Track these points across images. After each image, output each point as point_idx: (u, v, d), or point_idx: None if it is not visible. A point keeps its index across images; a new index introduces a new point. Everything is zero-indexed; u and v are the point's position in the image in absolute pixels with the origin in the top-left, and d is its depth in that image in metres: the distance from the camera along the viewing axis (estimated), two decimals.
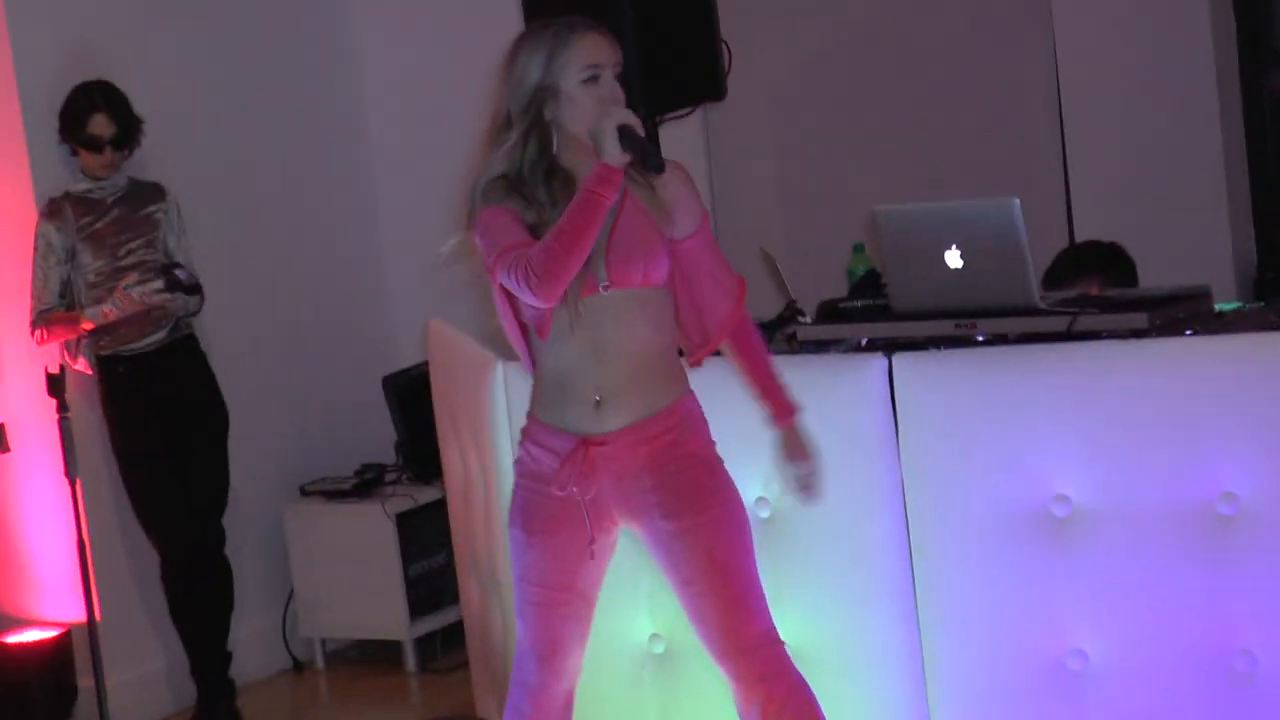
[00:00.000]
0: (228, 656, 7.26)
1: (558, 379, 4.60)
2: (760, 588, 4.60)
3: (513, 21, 6.72)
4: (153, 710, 7.43)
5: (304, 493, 8.02)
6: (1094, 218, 7.46)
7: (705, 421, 4.64)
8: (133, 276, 6.94)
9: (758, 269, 6.31)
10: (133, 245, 7.04)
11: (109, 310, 6.91)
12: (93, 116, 7.05)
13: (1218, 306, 5.35)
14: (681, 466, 4.56)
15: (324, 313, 8.24)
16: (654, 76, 6.29)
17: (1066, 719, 4.91)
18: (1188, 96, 7.51)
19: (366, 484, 7.96)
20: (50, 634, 7.31)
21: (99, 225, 7.03)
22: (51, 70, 7.19)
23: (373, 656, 7.97)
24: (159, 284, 6.93)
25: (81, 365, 7.02)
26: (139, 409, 7.09)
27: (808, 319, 5.63)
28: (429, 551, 7.76)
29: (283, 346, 8.04)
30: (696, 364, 4.69)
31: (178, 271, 6.97)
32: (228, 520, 7.31)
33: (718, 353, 4.80)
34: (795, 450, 4.71)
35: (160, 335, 7.06)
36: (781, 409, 4.71)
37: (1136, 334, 5.02)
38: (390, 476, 8.04)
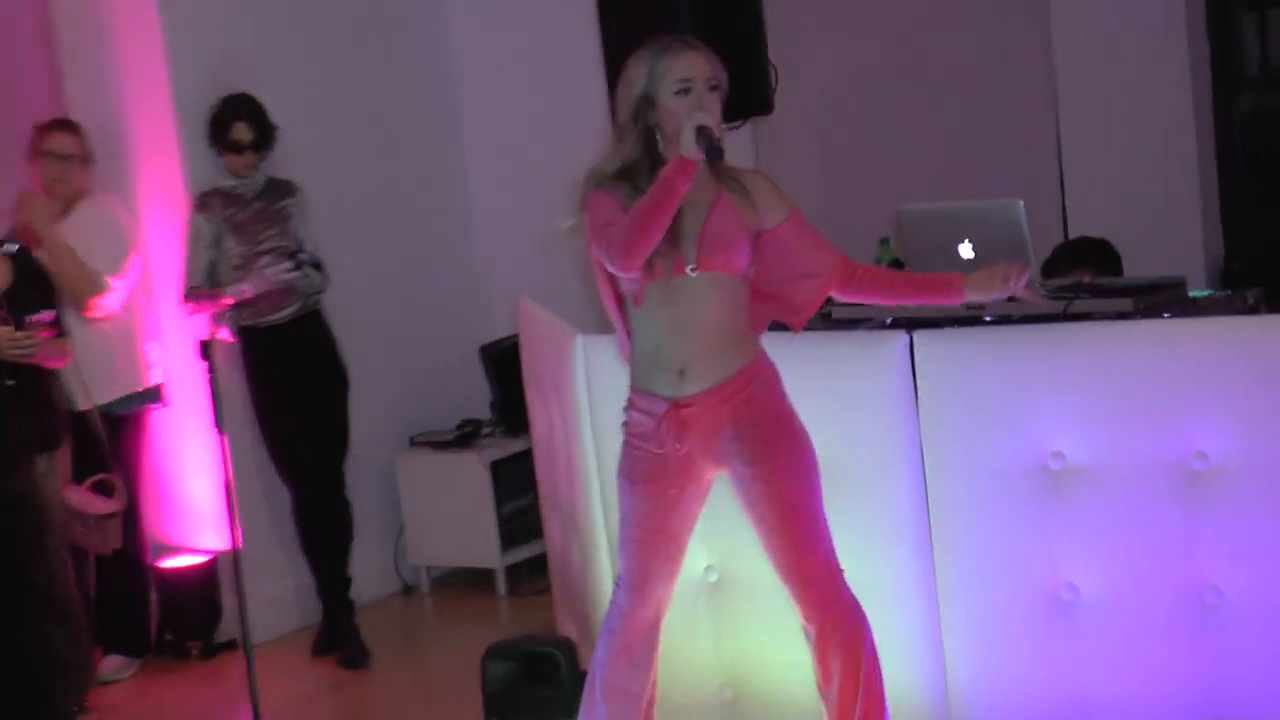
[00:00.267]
0: (348, 580, 7.27)
1: (649, 351, 4.60)
2: (824, 524, 4.59)
3: (590, 30, 6.68)
4: (284, 625, 7.45)
5: (413, 443, 8.02)
6: (1086, 217, 7.42)
7: (778, 377, 4.63)
8: (268, 259, 6.95)
9: None
10: (269, 233, 7.04)
11: (247, 288, 6.93)
12: (235, 124, 7.06)
13: (1192, 293, 5.32)
14: (757, 419, 4.55)
15: (430, 291, 8.23)
16: None
17: (1059, 643, 4.89)
18: (1168, 114, 7.47)
19: (465, 436, 7.95)
20: (200, 560, 7.36)
21: (241, 216, 7.04)
22: (201, 82, 7.18)
23: (469, 582, 7.96)
24: (288, 264, 6.95)
25: (226, 334, 7.02)
26: (274, 372, 7.10)
27: (838, 300, 5.60)
28: (517, 493, 7.75)
29: (395, 320, 8.03)
30: (798, 329, 4.72)
31: (301, 254, 6.99)
32: (348, 466, 7.31)
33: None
34: (994, 286, 4.62)
35: (291, 310, 7.06)
36: (947, 288, 4.66)
37: (1122, 316, 5.00)
38: (485, 430, 8.04)
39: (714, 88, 4.53)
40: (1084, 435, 4.81)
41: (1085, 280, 5.50)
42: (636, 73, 4.56)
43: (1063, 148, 7.72)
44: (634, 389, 4.65)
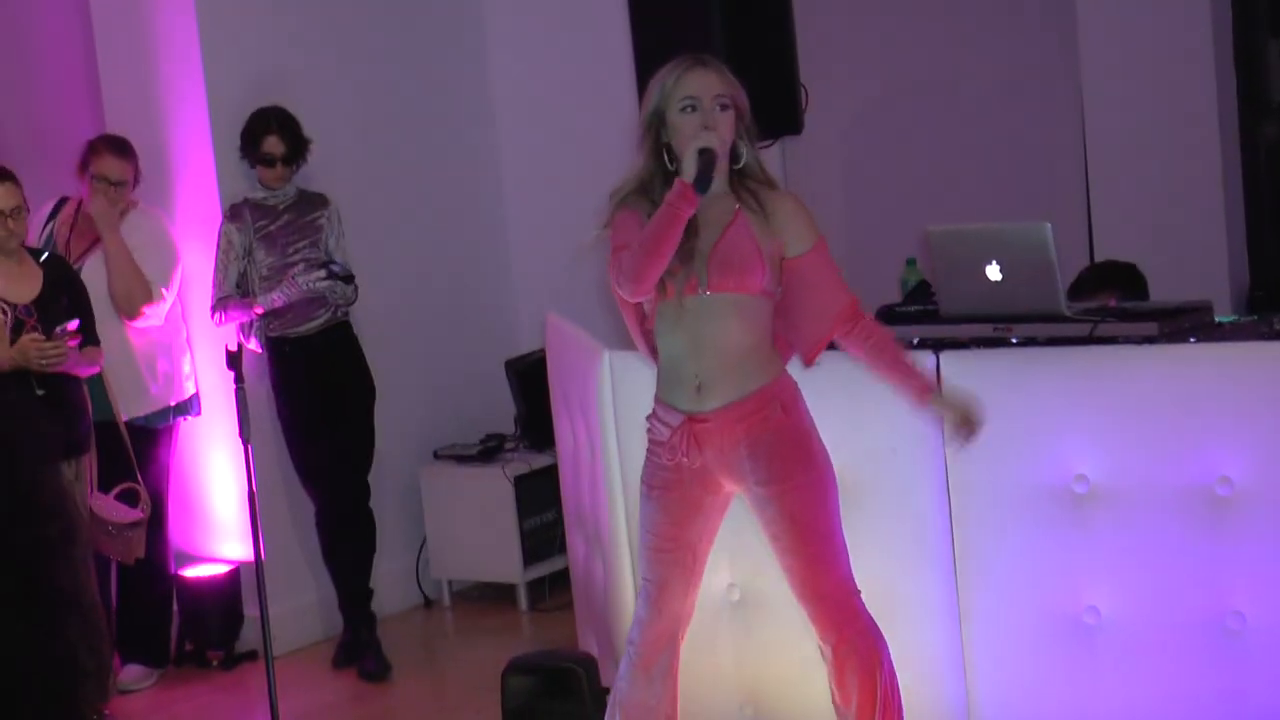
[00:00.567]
0: (370, 593, 7.27)
1: (669, 365, 4.63)
2: (841, 544, 4.60)
3: (625, 49, 6.70)
4: (306, 637, 7.45)
5: (437, 456, 8.03)
6: (1112, 241, 7.41)
7: (799, 398, 4.63)
8: (298, 270, 6.98)
9: None
10: (300, 245, 7.07)
11: (277, 297, 6.95)
12: (267, 137, 7.08)
13: (1218, 318, 5.31)
14: (773, 440, 4.55)
15: (457, 305, 8.25)
16: None
17: (1080, 666, 4.89)
18: (1194, 140, 7.47)
19: (489, 450, 7.96)
20: (222, 570, 7.36)
21: (272, 228, 7.06)
22: (236, 95, 7.21)
23: (491, 596, 7.96)
24: (321, 273, 6.97)
25: (254, 345, 7.05)
26: (301, 383, 7.11)
27: None
28: (541, 509, 7.76)
29: (422, 333, 8.05)
30: (809, 364, 4.68)
31: (334, 266, 7.01)
32: (372, 478, 7.32)
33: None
34: (948, 415, 4.68)
35: (320, 321, 7.08)
36: (917, 389, 4.68)
37: (1148, 340, 4.99)
38: (510, 445, 8.03)
39: (724, 105, 4.54)
40: (1108, 458, 4.82)
41: (1111, 303, 5.49)
42: (651, 91, 4.62)
43: (1090, 171, 7.72)
44: (657, 399, 4.68)
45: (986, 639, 5.01)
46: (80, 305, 6.39)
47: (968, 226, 5.57)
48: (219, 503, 7.41)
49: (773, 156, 7.57)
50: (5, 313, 5.99)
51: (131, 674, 7.09)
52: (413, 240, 8.02)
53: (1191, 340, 5.02)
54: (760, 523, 4.63)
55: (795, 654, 5.08)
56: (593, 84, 8.03)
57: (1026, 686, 4.98)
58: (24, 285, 6.27)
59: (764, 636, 5.26)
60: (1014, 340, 5.16)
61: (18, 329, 6.08)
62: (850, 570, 4.61)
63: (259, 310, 6.99)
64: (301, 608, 7.43)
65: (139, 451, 6.83)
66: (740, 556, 5.13)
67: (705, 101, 4.53)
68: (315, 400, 7.11)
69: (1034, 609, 4.94)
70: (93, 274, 6.86)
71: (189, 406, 7.23)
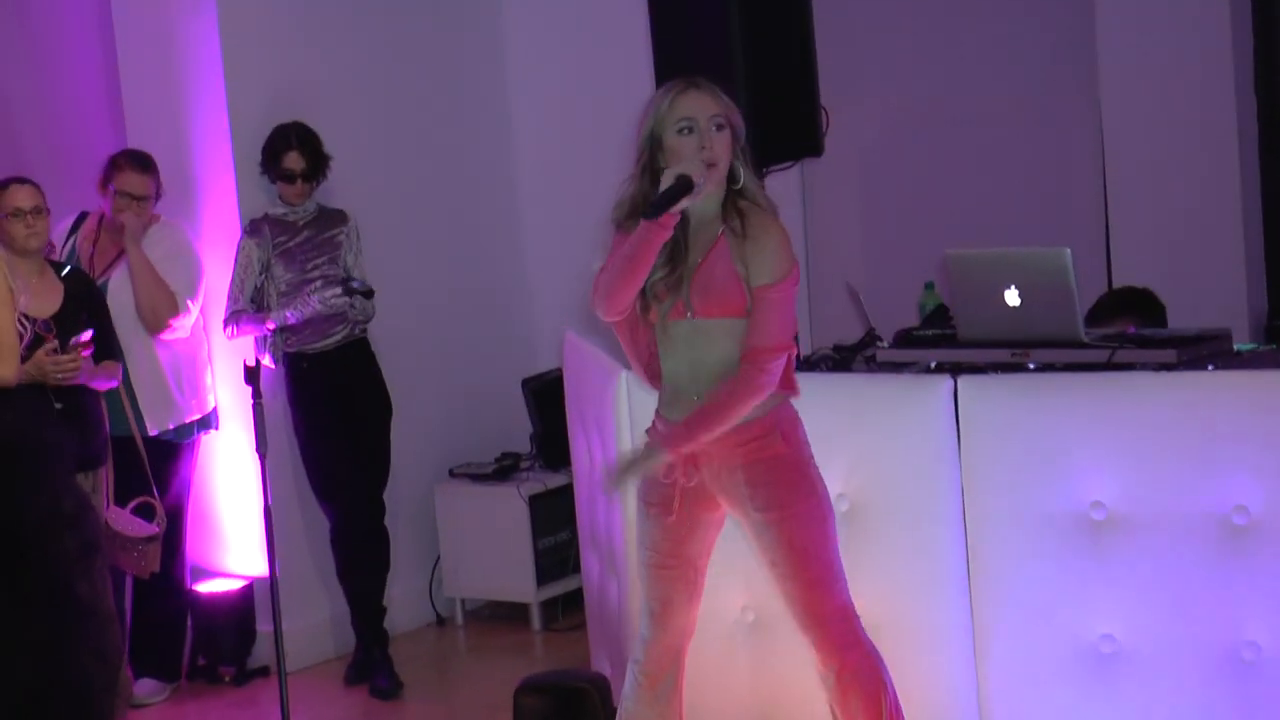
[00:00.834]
0: (383, 610, 7.27)
1: (671, 384, 4.62)
2: (839, 570, 4.58)
3: (645, 72, 6.70)
4: (318, 653, 7.46)
5: (452, 474, 8.03)
6: (1131, 267, 7.40)
7: (799, 428, 4.61)
8: (316, 286, 6.99)
9: (843, 301, 6.30)
10: (318, 261, 7.08)
11: (290, 313, 6.97)
12: (287, 153, 7.09)
13: (1236, 346, 5.31)
14: (771, 467, 4.54)
15: (474, 323, 8.26)
16: (763, 135, 6.27)
17: (1095, 694, 4.88)
18: (1213, 169, 7.47)
19: (504, 469, 7.96)
20: (237, 585, 7.36)
21: (291, 244, 7.08)
22: (257, 110, 7.24)
23: (504, 615, 7.96)
24: (338, 290, 6.99)
25: (268, 361, 7.06)
26: (317, 399, 7.12)
27: (885, 344, 5.61)
28: (555, 528, 7.76)
29: (439, 351, 8.06)
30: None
31: (353, 282, 7.03)
32: (387, 495, 7.33)
33: (820, 367, 4.80)
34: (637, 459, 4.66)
35: (337, 337, 7.10)
36: (670, 433, 4.58)
37: (1166, 367, 4.98)
38: (525, 463, 8.04)
39: (720, 126, 4.53)
40: (1125, 486, 4.81)
41: (1129, 330, 5.48)
42: (646, 114, 4.61)
43: (1109, 197, 7.72)
44: (659, 413, 4.68)
45: (1002, 666, 5.00)
46: (100, 320, 6.41)
47: (986, 251, 5.56)
48: (234, 517, 7.41)
49: (792, 178, 7.60)
50: (25, 327, 6.00)
51: (144, 688, 7.10)
52: (431, 258, 8.04)
53: (1210, 368, 5.01)
54: (758, 549, 4.62)
55: (809, 676, 5.03)
56: (613, 105, 8.03)
57: (1042, 714, 4.96)
58: (45, 300, 6.29)
59: (778, 658, 5.25)
60: (1031, 366, 5.16)
61: (36, 343, 6.09)
62: (849, 596, 4.61)
63: (271, 325, 7.01)
64: (314, 624, 7.44)
65: (161, 466, 6.87)
66: (755, 579, 5.12)
67: (701, 122, 4.52)
68: (331, 416, 7.12)
69: (1050, 636, 4.92)
70: (118, 288, 6.89)
71: (210, 421, 7.25)
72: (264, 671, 7.24)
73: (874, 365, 5.49)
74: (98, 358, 6.24)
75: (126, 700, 6.67)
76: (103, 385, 6.38)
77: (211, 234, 7.31)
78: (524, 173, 8.49)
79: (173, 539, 6.96)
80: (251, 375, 5.70)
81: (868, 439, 5.03)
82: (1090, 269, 7.30)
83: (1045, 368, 5.14)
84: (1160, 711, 4.79)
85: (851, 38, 8.07)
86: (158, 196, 7.03)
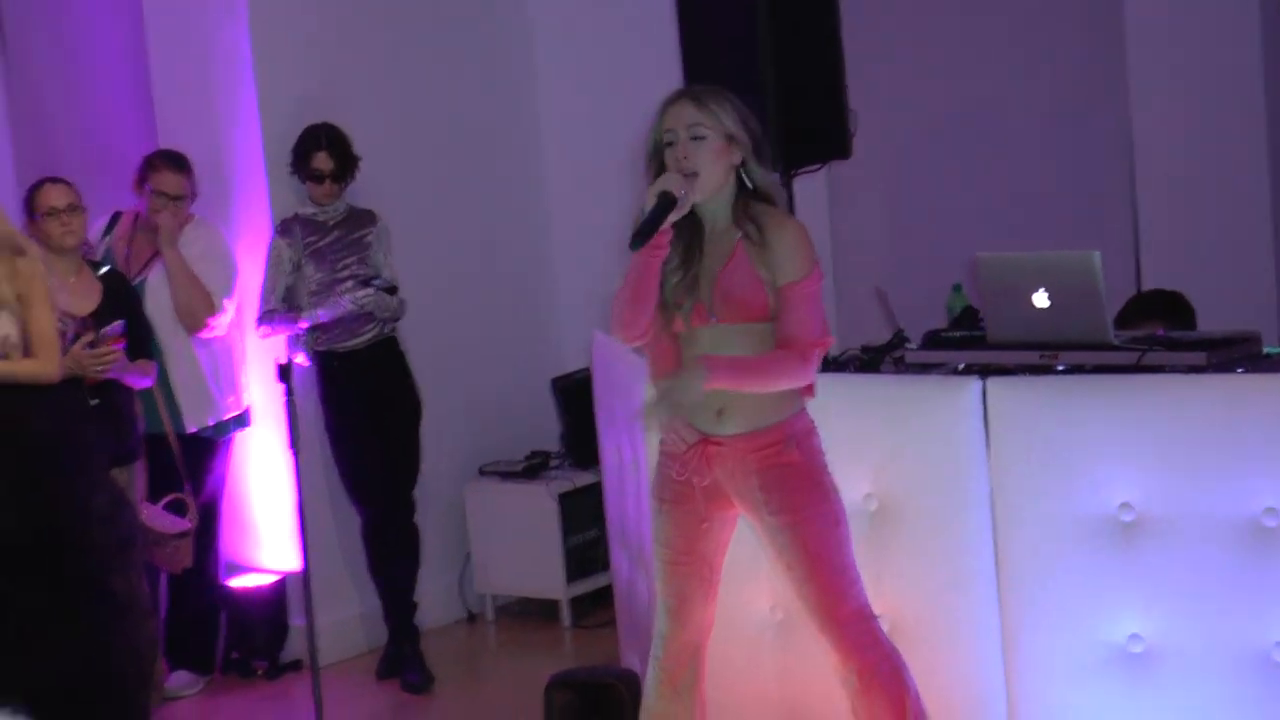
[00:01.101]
0: (414, 606, 7.28)
1: None
2: (854, 573, 4.60)
3: (674, 74, 6.69)
4: (350, 648, 7.47)
5: (482, 473, 8.04)
6: (1160, 270, 7.40)
7: (815, 436, 4.62)
8: (346, 286, 7.00)
9: (872, 303, 6.29)
10: (348, 261, 7.08)
11: (322, 313, 6.98)
12: (317, 154, 7.10)
13: (1266, 349, 5.28)
14: (786, 474, 4.55)
15: (503, 323, 8.26)
16: (792, 138, 6.28)
17: (1122, 693, 4.86)
18: (1243, 172, 7.47)
19: (534, 467, 7.97)
20: (269, 579, 7.39)
21: (322, 243, 7.08)
22: (288, 111, 7.25)
23: (534, 612, 7.97)
24: (369, 290, 7.00)
25: (301, 359, 7.07)
26: (349, 396, 7.14)
27: (914, 345, 5.59)
28: (584, 526, 7.77)
29: (468, 350, 8.07)
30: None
31: (377, 281, 7.04)
32: (418, 493, 7.34)
33: (849, 368, 4.79)
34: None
35: (367, 337, 7.11)
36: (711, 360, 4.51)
37: (1195, 370, 4.96)
38: (554, 462, 8.05)
39: (698, 136, 4.51)
40: (1154, 487, 4.79)
41: (1158, 333, 5.46)
42: (650, 127, 4.62)
43: (1138, 200, 7.70)
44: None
45: (1030, 666, 4.98)
46: (136, 319, 6.43)
47: (1016, 254, 5.55)
48: (267, 513, 7.43)
49: (820, 181, 7.58)
50: (66, 325, 6.01)
51: (179, 681, 7.14)
52: (460, 258, 8.04)
53: (1239, 371, 4.99)
54: (773, 553, 4.63)
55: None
56: (641, 108, 7.91)
57: (1070, 715, 4.95)
58: (84, 298, 6.31)
59: (806, 656, 5.22)
60: (1060, 368, 5.14)
61: (75, 342, 6.11)
62: (866, 599, 4.62)
63: (304, 325, 7.02)
64: (346, 619, 7.45)
65: (197, 463, 6.90)
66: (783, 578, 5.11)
67: (680, 133, 4.52)
68: (362, 414, 7.14)
69: (1078, 636, 4.90)
70: (155, 288, 6.92)
71: (245, 418, 7.27)
72: (296, 665, 7.26)
73: (902, 366, 5.47)
74: (132, 355, 6.25)
75: (160, 693, 6.70)
76: (137, 383, 6.39)
77: (243, 234, 7.32)
78: (552, 175, 8.49)
79: (207, 534, 6.99)
80: (285, 373, 5.70)
81: (896, 440, 5.02)
82: (1119, 272, 7.28)
83: (1074, 370, 5.13)
84: (1189, 712, 4.78)
85: (879, 41, 8.05)
86: (193, 197, 7.04)
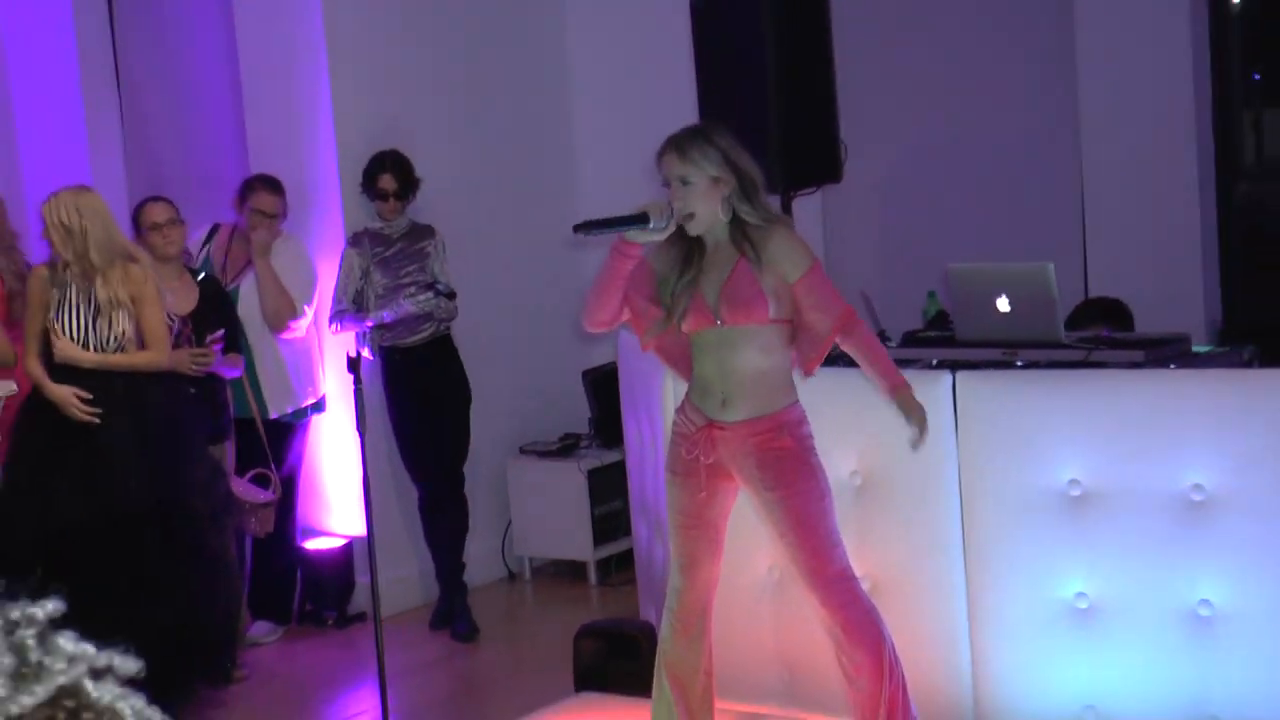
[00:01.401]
0: (462, 566, 7.30)
1: (701, 380, 4.64)
2: (837, 539, 4.59)
3: (692, 104, 6.72)
4: (407, 602, 7.48)
5: (522, 451, 8.05)
6: (1104, 280, 7.42)
7: (806, 424, 4.62)
8: (410, 291, 7.04)
9: (859, 305, 6.31)
10: (410, 269, 7.11)
11: (386, 314, 7.00)
12: (382, 176, 7.11)
13: (1195, 348, 5.32)
14: (779, 456, 4.55)
15: (542, 323, 8.27)
16: (789, 163, 6.31)
17: (1069, 645, 4.89)
18: (1177, 197, 7.48)
19: (567, 447, 7.99)
20: (339, 543, 7.42)
21: (387, 254, 7.11)
22: (359, 139, 7.28)
23: (565, 572, 7.99)
24: (429, 294, 7.03)
25: (367, 353, 7.10)
26: (408, 387, 7.15)
27: (894, 343, 5.62)
28: (610, 498, 7.78)
29: (512, 346, 8.08)
30: (808, 374, 4.65)
31: (439, 285, 7.07)
32: (466, 469, 7.34)
33: (840, 362, 4.82)
34: (907, 413, 4.66)
35: (425, 334, 7.13)
36: (888, 385, 4.65)
37: (1134, 365, 5.00)
38: (584, 443, 8.05)
39: (685, 181, 4.54)
40: (1098, 466, 4.81)
41: (1103, 333, 5.50)
42: None
43: (1086, 220, 7.73)
44: (687, 398, 4.71)
45: (991, 619, 5.01)
46: (228, 319, 6.49)
47: (982, 265, 5.59)
48: (337, 486, 7.46)
49: (815, 202, 7.61)
50: (172, 322, 6.10)
51: (259, 629, 7.16)
52: (507, 266, 8.06)
53: (1172, 366, 5.02)
54: (769, 523, 4.64)
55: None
56: (663, 134, 8.05)
57: (1025, 662, 4.97)
58: (183, 300, 6.37)
59: (798, 612, 5.25)
60: (1019, 363, 5.17)
61: (178, 337, 6.18)
62: (848, 562, 4.61)
63: (370, 324, 7.05)
64: (404, 577, 7.47)
65: (281, 443, 6.95)
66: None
67: (671, 180, 4.57)
68: (420, 401, 7.16)
69: (1032, 594, 4.93)
70: (248, 294, 6.97)
71: (320, 405, 7.31)
72: (361, 617, 7.28)
73: None
74: (226, 350, 6.33)
75: (244, 640, 6.75)
76: (229, 373, 6.46)
77: (320, 244, 7.36)
78: (585, 197, 8.50)
79: (286, 504, 7.02)
80: (353, 365, 5.74)
81: (878, 425, 5.04)
82: (1070, 281, 7.30)
83: (1031, 365, 5.16)
84: (1127, 659, 4.80)
85: (868, 83, 8.08)
86: (284, 215, 7.08)
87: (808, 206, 7.30)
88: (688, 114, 6.97)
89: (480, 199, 7.94)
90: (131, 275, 5.78)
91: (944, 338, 5.51)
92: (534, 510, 7.93)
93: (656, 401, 5.59)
